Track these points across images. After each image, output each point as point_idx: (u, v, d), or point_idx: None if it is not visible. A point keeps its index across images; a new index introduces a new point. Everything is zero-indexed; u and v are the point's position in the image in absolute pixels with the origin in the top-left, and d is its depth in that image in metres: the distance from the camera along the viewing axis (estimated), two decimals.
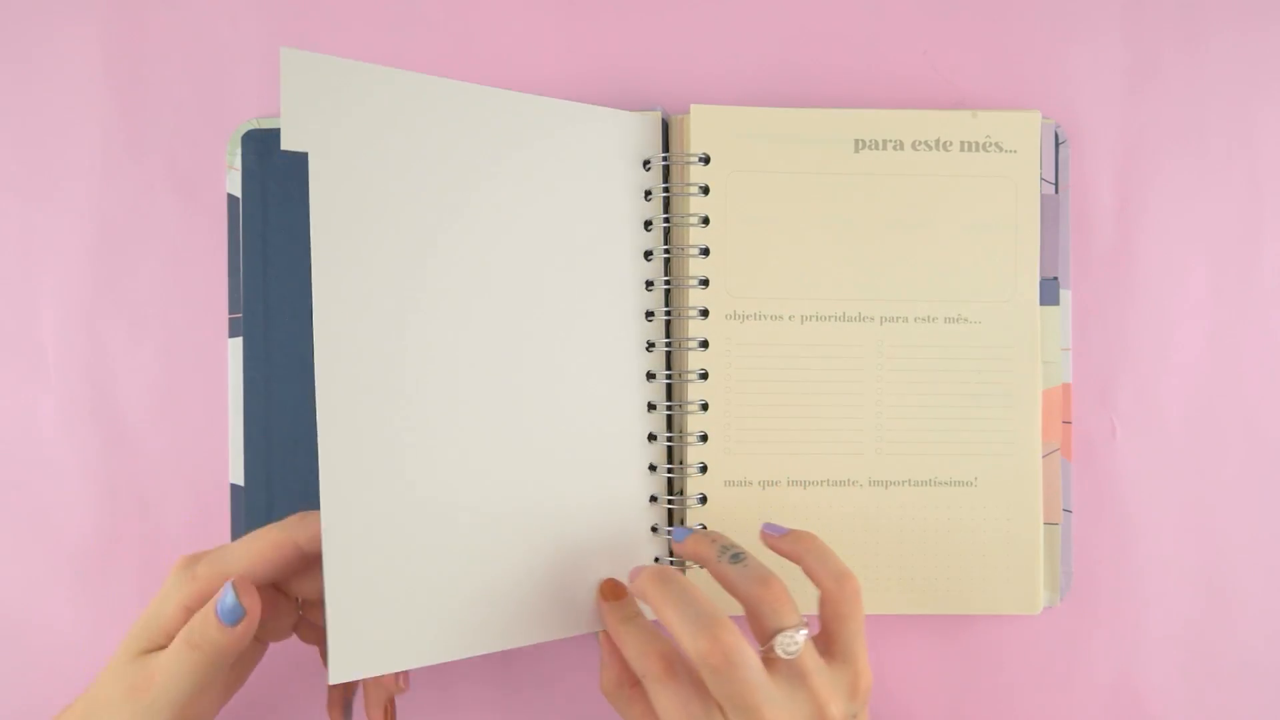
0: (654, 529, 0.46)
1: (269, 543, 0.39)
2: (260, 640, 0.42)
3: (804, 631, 0.37)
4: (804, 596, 0.39)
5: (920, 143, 0.46)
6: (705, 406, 0.45)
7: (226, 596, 0.38)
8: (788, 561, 0.41)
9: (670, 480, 0.46)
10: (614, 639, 0.41)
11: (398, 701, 0.44)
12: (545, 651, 0.47)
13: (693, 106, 0.46)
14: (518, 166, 0.45)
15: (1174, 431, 0.48)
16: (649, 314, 0.46)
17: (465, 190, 0.44)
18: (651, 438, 0.46)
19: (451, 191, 0.44)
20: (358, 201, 0.41)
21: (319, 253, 0.41)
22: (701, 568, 0.41)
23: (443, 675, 0.47)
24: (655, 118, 0.46)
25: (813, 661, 0.38)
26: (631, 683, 0.41)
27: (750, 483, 0.46)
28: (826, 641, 0.40)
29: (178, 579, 0.39)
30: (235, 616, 0.38)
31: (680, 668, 0.38)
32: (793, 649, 0.37)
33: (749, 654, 0.36)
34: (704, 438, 0.45)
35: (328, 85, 0.40)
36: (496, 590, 0.43)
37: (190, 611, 0.39)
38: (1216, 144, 0.48)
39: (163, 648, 0.39)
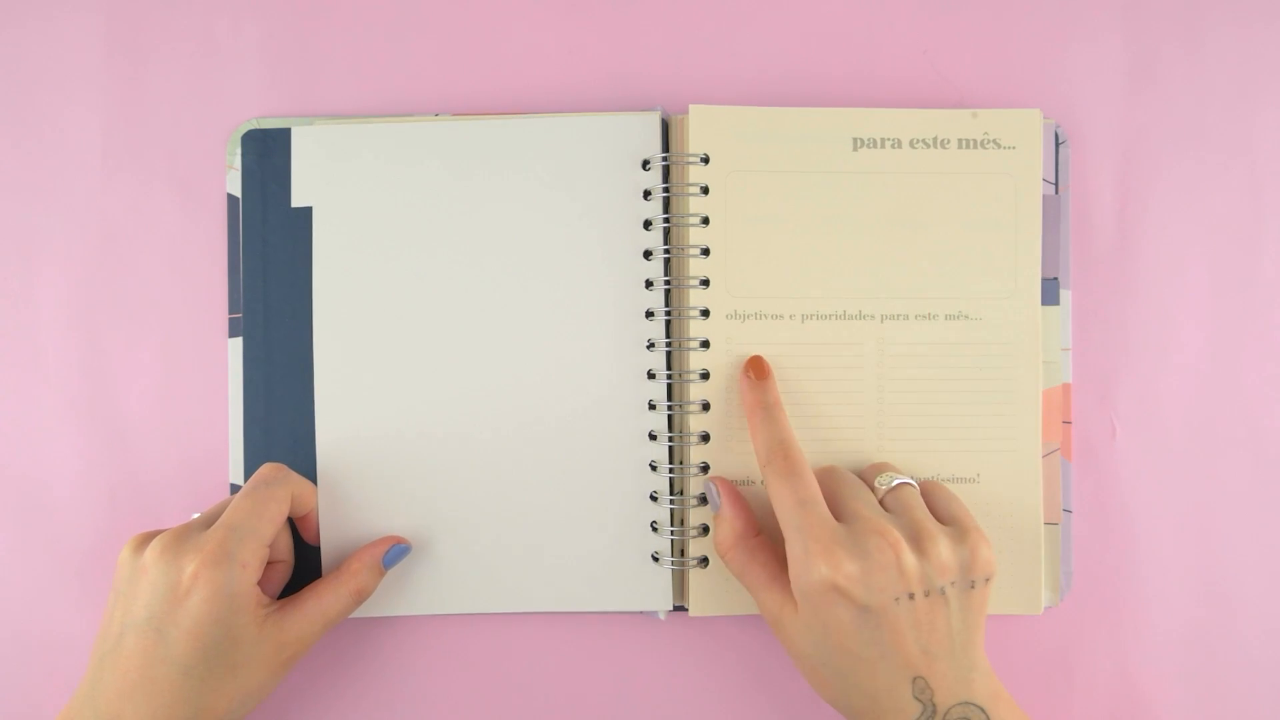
0: (654, 527, 0.46)
1: (280, 503, 0.42)
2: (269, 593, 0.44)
3: (906, 479, 0.42)
4: None
5: (918, 141, 0.46)
6: (706, 406, 0.45)
7: (398, 547, 0.44)
8: None
9: (671, 480, 0.46)
10: (750, 418, 0.43)
11: None
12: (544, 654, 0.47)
13: (691, 106, 0.46)
14: (515, 180, 0.46)
15: (1174, 431, 0.48)
16: (649, 313, 0.46)
17: (462, 207, 0.46)
18: (652, 436, 0.46)
19: (447, 209, 0.46)
20: (356, 231, 0.46)
21: (321, 277, 0.46)
22: None
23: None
24: (654, 118, 0.46)
25: (916, 500, 0.41)
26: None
27: (754, 481, 0.45)
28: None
29: (228, 570, 0.39)
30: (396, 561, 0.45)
31: (803, 464, 0.41)
32: (890, 482, 0.42)
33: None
34: (705, 437, 0.45)
35: (331, 147, 0.46)
36: (495, 572, 0.46)
37: (255, 589, 0.40)
38: (1216, 144, 0.48)
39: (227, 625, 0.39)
